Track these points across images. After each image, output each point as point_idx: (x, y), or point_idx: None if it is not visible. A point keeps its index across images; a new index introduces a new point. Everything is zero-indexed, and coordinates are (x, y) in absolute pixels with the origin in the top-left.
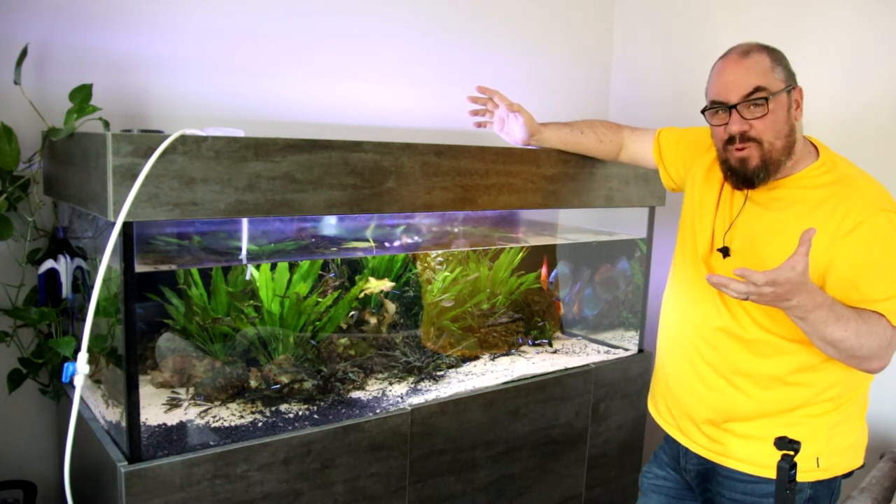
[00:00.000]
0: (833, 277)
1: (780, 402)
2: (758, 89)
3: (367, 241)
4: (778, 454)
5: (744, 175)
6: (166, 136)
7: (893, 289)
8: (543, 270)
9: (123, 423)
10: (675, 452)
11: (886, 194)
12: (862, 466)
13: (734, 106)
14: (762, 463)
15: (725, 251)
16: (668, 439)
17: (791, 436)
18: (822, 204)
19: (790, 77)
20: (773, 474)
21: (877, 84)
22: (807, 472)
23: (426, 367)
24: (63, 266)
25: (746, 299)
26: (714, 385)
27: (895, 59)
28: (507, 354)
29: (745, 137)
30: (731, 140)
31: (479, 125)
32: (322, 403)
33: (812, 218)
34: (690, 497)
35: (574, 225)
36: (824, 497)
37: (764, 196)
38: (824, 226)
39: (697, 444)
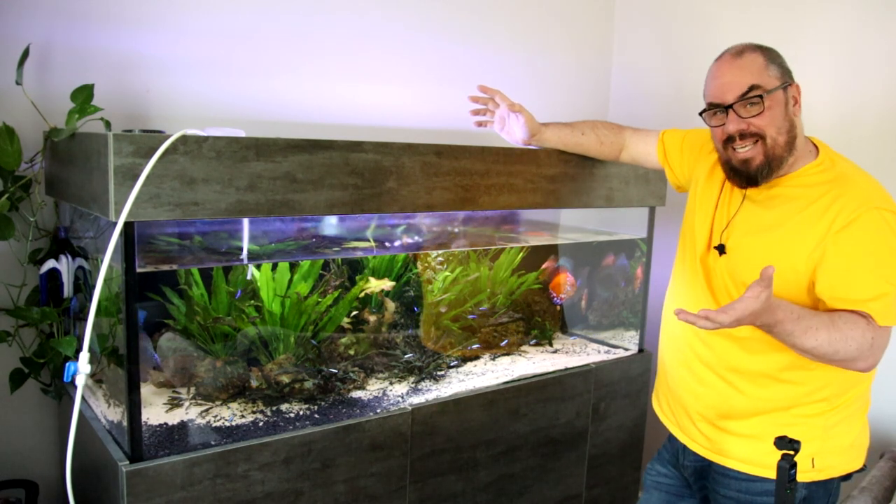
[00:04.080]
0: (823, 274)
1: (773, 400)
2: (753, 87)
3: (368, 240)
4: (771, 453)
5: (747, 174)
6: (167, 137)
7: (883, 287)
8: (565, 276)
9: (125, 423)
10: (675, 449)
11: (883, 193)
12: (863, 469)
13: (730, 106)
14: (757, 462)
15: (721, 249)
16: (670, 436)
17: (785, 435)
18: (816, 201)
19: (786, 74)
20: (767, 473)
21: (874, 83)
22: (802, 472)
23: (427, 367)
24: (65, 266)
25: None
26: (709, 383)
27: (892, 59)
28: (506, 353)
29: (744, 135)
30: (730, 139)
31: (480, 124)
32: (323, 403)
33: (806, 215)
34: (689, 494)
35: (575, 225)
36: (820, 498)
37: (762, 194)
38: (817, 223)
39: (695, 441)
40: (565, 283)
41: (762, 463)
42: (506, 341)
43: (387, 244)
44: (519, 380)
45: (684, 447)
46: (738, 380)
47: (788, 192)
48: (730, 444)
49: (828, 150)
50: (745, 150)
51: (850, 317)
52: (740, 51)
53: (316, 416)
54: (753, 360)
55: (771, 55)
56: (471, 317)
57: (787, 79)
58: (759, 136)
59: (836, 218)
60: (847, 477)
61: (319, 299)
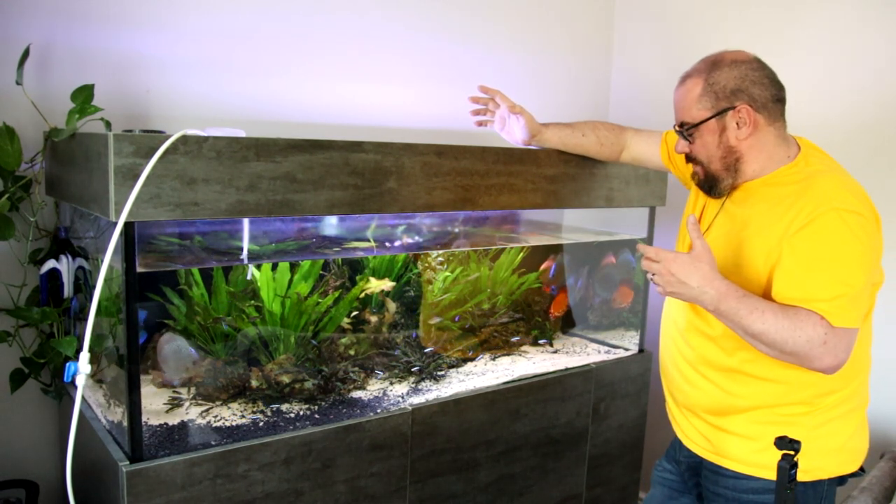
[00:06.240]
0: (778, 275)
1: (752, 398)
2: (682, 124)
3: (368, 240)
4: (758, 451)
5: (698, 185)
6: (168, 137)
7: (837, 289)
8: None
9: (125, 423)
10: (674, 445)
11: (847, 194)
12: (859, 472)
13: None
14: (745, 460)
15: None
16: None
17: (770, 434)
18: (782, 201)
19: (727, 98)
20: (754, 471)
21: (873, 82)
22: None
23: (427, 367)
24: (65, 266)
25: (653, 277)
26: (692, 380)
27: (892, 58)
28: (507, 354)
29: (689, 157)
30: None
31: (480, 124)
32: (323, 403)
33: (771, 215)
34: (688, 490)
35: (575, 225)
36: (809, 500)
37: (739, 195)
38: (778, 222)
39: (688, 437)
40: (563, 303)
41: (750, 461)
42: (487, 351)
43: (387, 244)
44: (519, 380)
45: (680, 443)
46: (717, 377)
47: (761, 193)
48: (717, 441)
49: (808, 152)
50: (694, 167)
51: (802, 310)
52: (686, 76)
53: (316, 416)
54: (729, 358)
55: (712, 80)
56: (457, 319)
57: (725, 104)
58: (696, 160)
59: (794, 219)
60: (842, 481)
61: (320, 299)
